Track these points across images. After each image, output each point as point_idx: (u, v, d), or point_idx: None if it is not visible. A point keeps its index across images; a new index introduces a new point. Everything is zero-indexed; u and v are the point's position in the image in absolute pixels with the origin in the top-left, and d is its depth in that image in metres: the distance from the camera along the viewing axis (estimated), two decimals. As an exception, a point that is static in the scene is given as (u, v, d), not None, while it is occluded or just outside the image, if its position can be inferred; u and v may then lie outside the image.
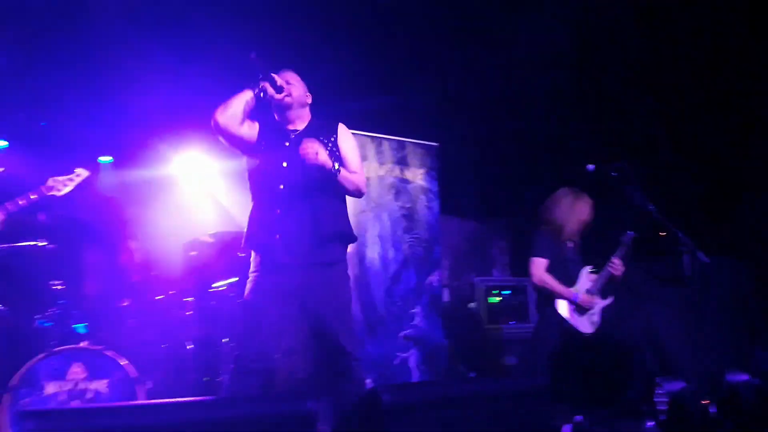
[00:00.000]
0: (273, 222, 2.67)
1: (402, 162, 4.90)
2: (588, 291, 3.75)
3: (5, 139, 4.82)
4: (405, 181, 4.89)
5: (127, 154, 5.07)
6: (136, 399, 3.31)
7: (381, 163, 4.79)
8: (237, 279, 3.94)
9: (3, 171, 3.75)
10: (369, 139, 4.73)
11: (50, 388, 3.21)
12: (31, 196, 2.53)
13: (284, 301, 2.64)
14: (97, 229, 4.27)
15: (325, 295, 2.66)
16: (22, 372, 3.14)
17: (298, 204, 2.67)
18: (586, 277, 3.79)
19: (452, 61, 5.15)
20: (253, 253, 2.75)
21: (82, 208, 3.98)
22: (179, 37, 4.48)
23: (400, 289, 4.70)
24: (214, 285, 4.20)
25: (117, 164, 5.07)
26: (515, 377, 3.95)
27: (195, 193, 5.39)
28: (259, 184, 2.77)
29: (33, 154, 4.66)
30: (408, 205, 4.87)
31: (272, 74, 2.72)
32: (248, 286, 2.70)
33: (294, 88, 2.81)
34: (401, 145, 4.91)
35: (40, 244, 3.22)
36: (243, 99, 2.70)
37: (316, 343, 2.81)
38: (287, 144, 2.75)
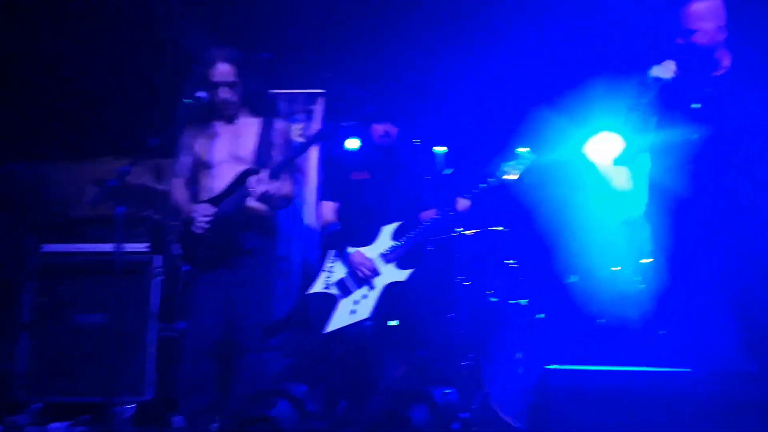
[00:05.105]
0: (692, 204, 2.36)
1: None
2: None
3: (445, 146, 5.77)
4: None
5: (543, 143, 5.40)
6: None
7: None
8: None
9: (453, 171, 4.42)
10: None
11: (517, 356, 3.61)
12: (490, 181, 2.86)
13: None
14: (528, 211, 4.62)
15: None
16: (492, 341, 3.62)
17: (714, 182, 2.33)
18: None
19: None
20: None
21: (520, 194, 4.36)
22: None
23: None
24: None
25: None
26: None
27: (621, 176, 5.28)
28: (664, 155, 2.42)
29: (466, 155, 5.44)
30: None
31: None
32: None
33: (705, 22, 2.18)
34: None
35: (498, 229, 3.69)
36: None
37: None
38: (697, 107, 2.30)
